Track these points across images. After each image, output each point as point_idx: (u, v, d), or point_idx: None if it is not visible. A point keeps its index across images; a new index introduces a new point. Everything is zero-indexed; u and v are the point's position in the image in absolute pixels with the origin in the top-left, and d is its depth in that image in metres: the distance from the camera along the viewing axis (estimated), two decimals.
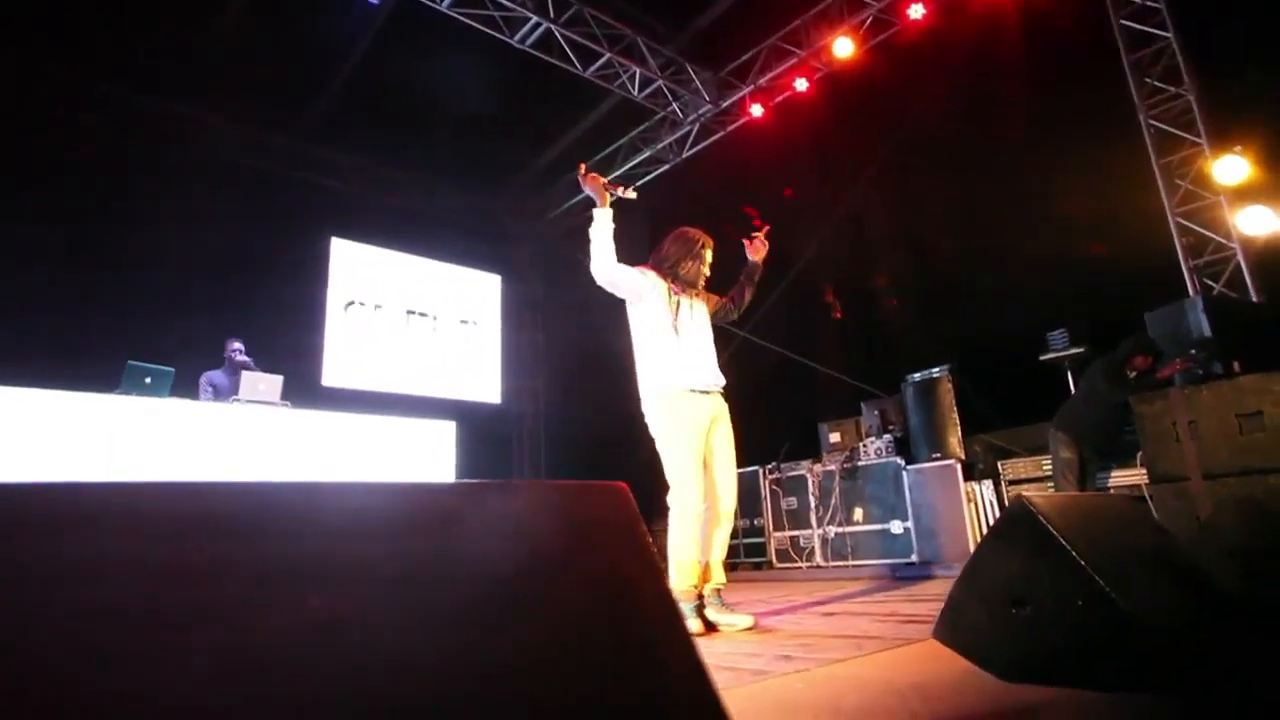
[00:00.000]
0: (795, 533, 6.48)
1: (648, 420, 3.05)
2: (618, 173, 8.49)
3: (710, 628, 2.87)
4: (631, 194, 3.20)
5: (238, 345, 5.66)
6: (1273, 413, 3.58)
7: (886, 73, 6.60)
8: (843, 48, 6.49)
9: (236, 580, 0.56)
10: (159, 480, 0.62)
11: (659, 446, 2.99)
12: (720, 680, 1.80)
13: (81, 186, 6.30)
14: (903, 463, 5.80)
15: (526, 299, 9.89)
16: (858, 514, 6.05)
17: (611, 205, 3.10)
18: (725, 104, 7.49)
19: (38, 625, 0.52)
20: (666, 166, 8.33)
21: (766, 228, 3.46)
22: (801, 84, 6.96)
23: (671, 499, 2.92)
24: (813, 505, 6.36)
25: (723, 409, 3.13)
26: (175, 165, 6.93)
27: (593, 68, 6.80)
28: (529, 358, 9.77)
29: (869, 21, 6.44)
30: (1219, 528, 3.14)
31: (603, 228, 3.04)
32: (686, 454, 2.92)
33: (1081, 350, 5.52)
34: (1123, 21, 5.40)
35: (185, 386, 5.14)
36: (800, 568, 6.34)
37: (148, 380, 4.66)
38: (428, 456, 5.88)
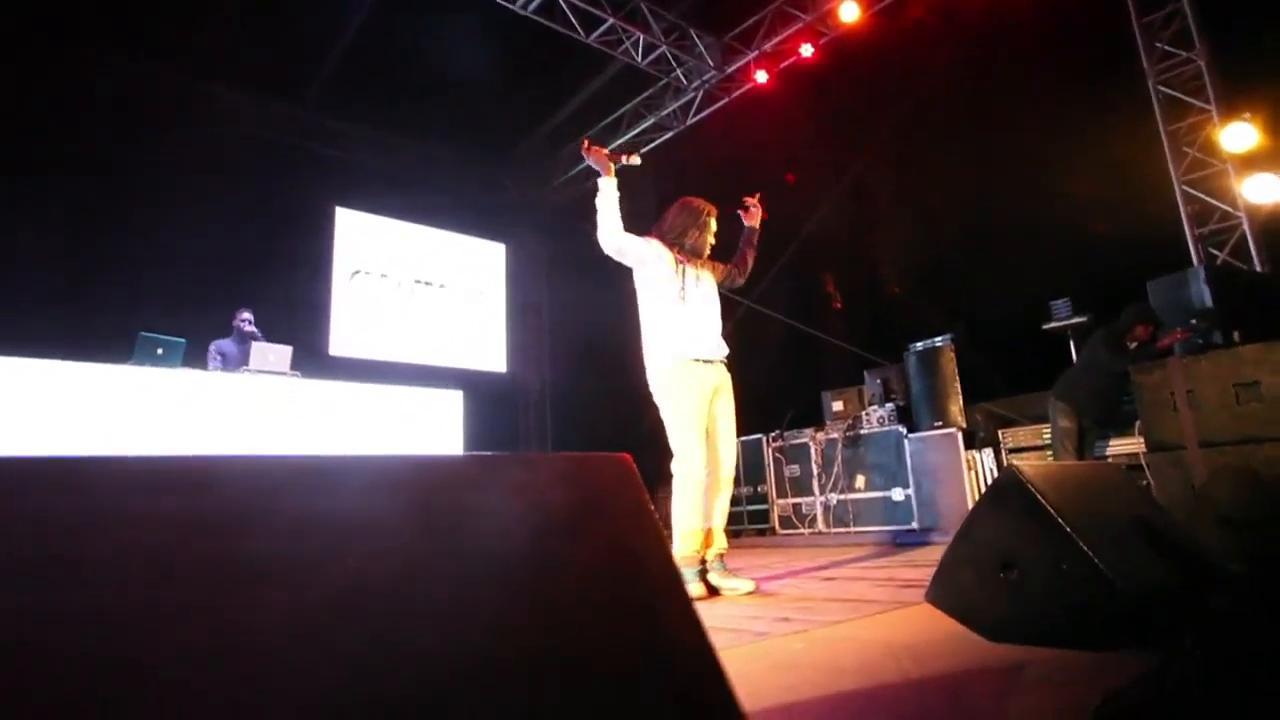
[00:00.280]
0: (798, 500, 6.58)
1: (652, 388, 3.11)
2: (621, 140, 8.45)
3: (713, 592, 2.96)
4: (636, 160, 3.24)
5: (246, 315, 5.71)
6: (1270, 382, 3.61)
7: (892, 39, 6.52)
8: (849, 12, 6.40)
9: (259, 551, 0.62)
10: (165, 454, 0.67)
11: (662, 414, 3.06)
12: (722, 641, 1.89)
13: (88, 158, 6.31)
14: (904, 431, 5.86)
15: (531, 267, 9.90)
16: (860, 481, 6.14)
17: (616, 174, 3.14)
18: (730, 70, 7.42)
19: (43, 604, 0.57)
20: (671, 134, 8.28)
21: (758, 194, 3.50)
22: (807, 49, 6.88)
23: (674, 466, 2.99)
24: (815, 473, 6.45)
25: (725, 378, 3.19)
26: (180, 136, 6.92)
27: (596, 33, 6.73)
28: (534, 326, 9.82)
29: None
30: (1212, 496, 3.20)
31: (608, 197, 3.09)
32: (689, 422, 2.98)
33: (1085, 319, 5.54)
34: None
35: (195, 357, 5.22)
36: (803, 534, 6.45)
37: (159, 351, 4.73)
38: (436, 425, 5.97)
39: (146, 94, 6.90)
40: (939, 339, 5.94)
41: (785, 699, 1.30)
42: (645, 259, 3.14)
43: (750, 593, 2.89)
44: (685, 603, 0.75)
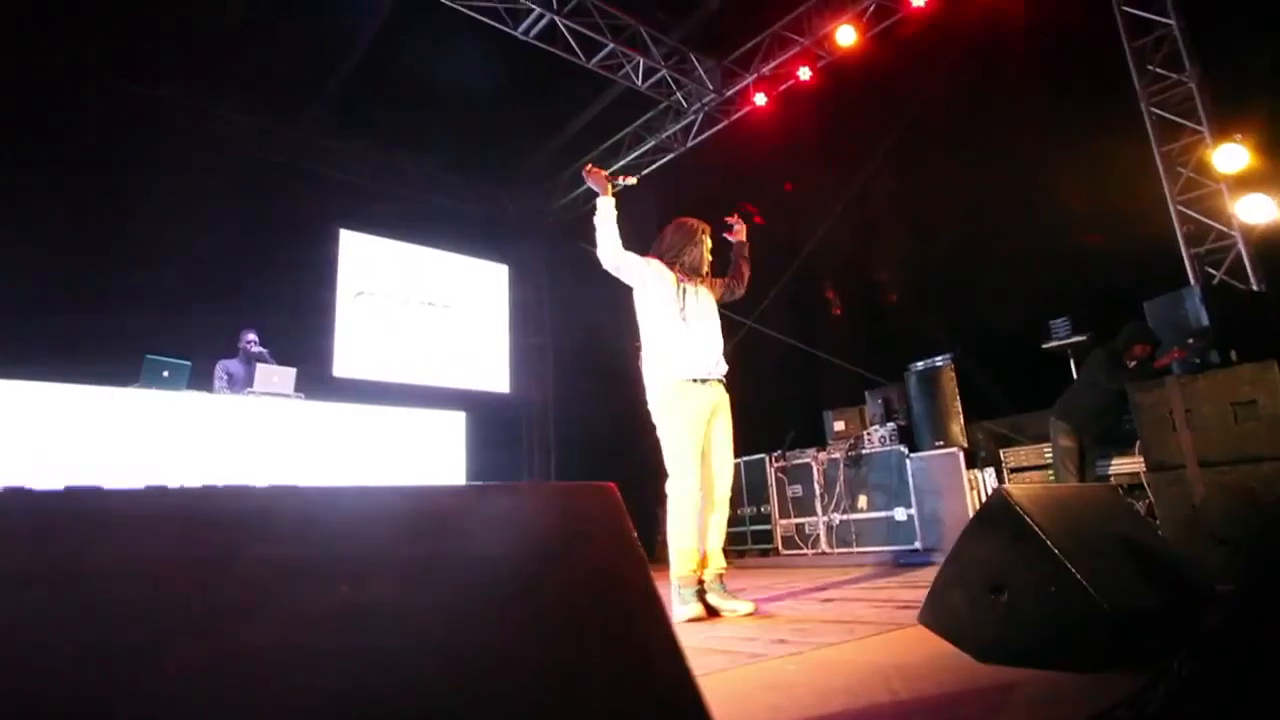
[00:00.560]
0: (800, 520, 6.58)
1: (650, 407, 3.15)
2: (623, 162, 8.55)
3: (712, 613, 2.97)
4: (632, 181, 3.32)
5: (252, 336, 5.78)
6: (1267, 401, 3.63)
7: (889, 61, 6.61)
8: (845, 36, 6.50)
9: (246, 578, 0.65)
10: (168, 486, 0.70)
11: (660, 434, 3.09)
12: (717, 662, 1.91)
13: (93, 180, 6.39)
14: (906, 450, 5.87)
15: (534, 288, 9.97)
16: (862, 501, 6.14)
17: (615, 194, 3.22)
18: (729, 93, 7.52)
19: (57, 626, 0.60)
20: (671, 156, 8.38)
21: (735, 213, 3.57)
22: (804, 72, 6.97)
23: (670, 486, 3.01)
24: (818, 493, 6.45)
25: (723, 398, 3.22)
26: (185, 158, 7.02)
27: (596, 58, 6.84)
28: (537, 346, 9.87)
29: (871, 9, 6.45)
30: (1209, 515, 3.21)
31: (606, 216, 3.18)
32: (686, 443, 3.01)
33: (1084, 338, 5.55)
34: (1124, 8, 5.39)
35: (200, 379, 5.27)
36: (806, 554, 6.44)
37: (165, 374, 4.79)
38: (439, 447, 6.00)
39: (151, 116, 7.01)
40: (939, 358, 5.97)
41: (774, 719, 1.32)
42: (646, 279, 3.20)
43: (749, 614, 2.90)
44: (665, 626, 0.78)
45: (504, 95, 7.51)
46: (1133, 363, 4.51)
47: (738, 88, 7.45)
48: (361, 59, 6.92)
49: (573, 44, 6.63)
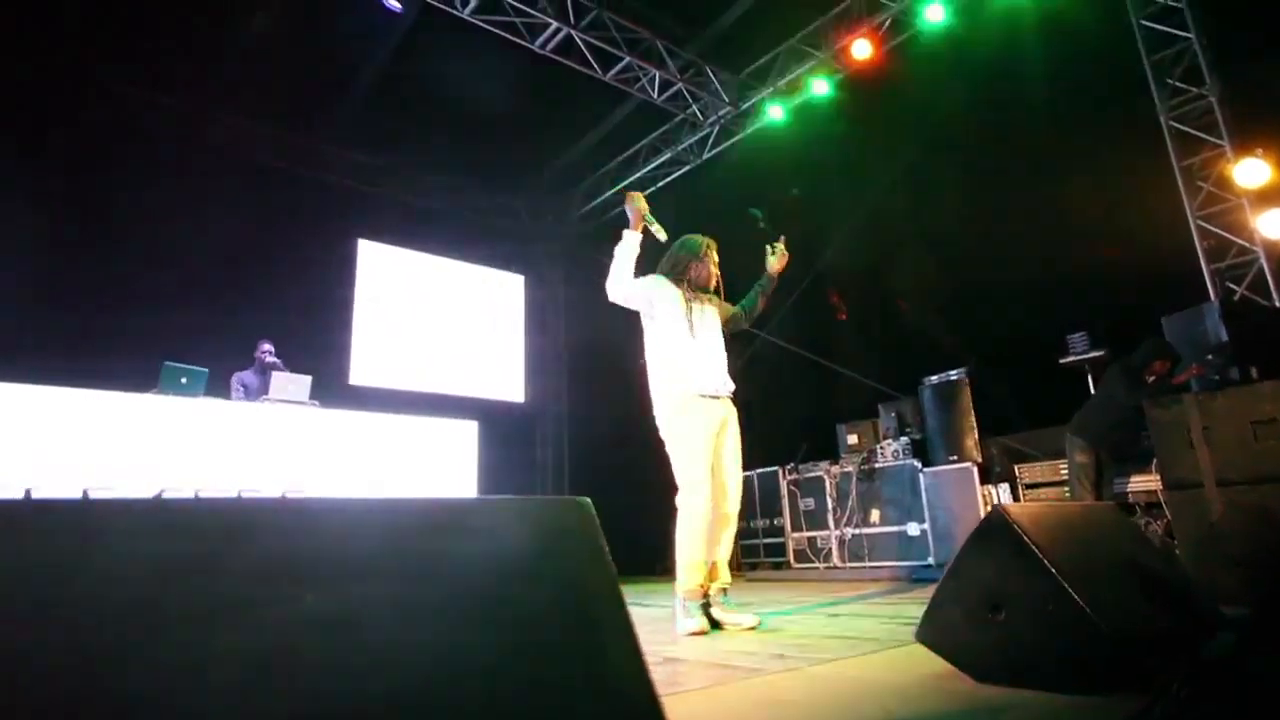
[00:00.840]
0: (813, 534, 6.53)
1: (658, 423, 3.15)
2: (639, 174, 8.60)
3: (716, 626, 2.96)
4: (662, 235, 3.26)
5: (268, 347, 5.86)
6: None
7: (906, 75, 6.60)
8: (861, 50, 6.50)
9: (218, 590, 0.67)
10: (169, 497, 0.72)
11: (669, 449, 3.09)
12: (713, 676, 1.90)
13: (116, 190, 6.54)
14: (919, 465, 5.82)
15: (549, 298, 10.03)
16: (875, 516, 6.08)
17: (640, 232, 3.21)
18: (745, 106, 7.54)
19: (63, 626, 0.62)
20: (687, 168, 8.40)
21: (784, 238, 3.49)
22: (821, 86, 6.98)
23: (680, 501, 3.01)
24: (830, 506, 6.40)
25: (731, 413, 3.21)
26: (205, 168, 7.15)
27: (613, 71, 6.89)
28: (552, 356, 9.91)
29: (888, 23, 6.44)
30: (1226, 536, 3.15)
31: (628, 250, 3.17)
32: (697, 457, 3.01)
33: (1102, 354, 5.49)
34: (1143, 22, 5.35)
35: (218, 386, 5.35)
36: (818, 568, 6.39)
37: (183, 380, 4.87)
38: (451, 455, 6.04)
39: (172, 126, 7.15)
40: (954, 372, 5.92)
41: None
42: (653, 300, 3.19)
43: (752, 628, 2.89)
44: (629, 640, 0.78)
45: (521, 107, 7.59)
46: (1152, 378, 4.44)
47: (754, 101, 7.47)
48: (382, 71, 7.04)
49: (589, 57, 6.68)
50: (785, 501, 6.79)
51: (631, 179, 8.75)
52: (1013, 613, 1.62)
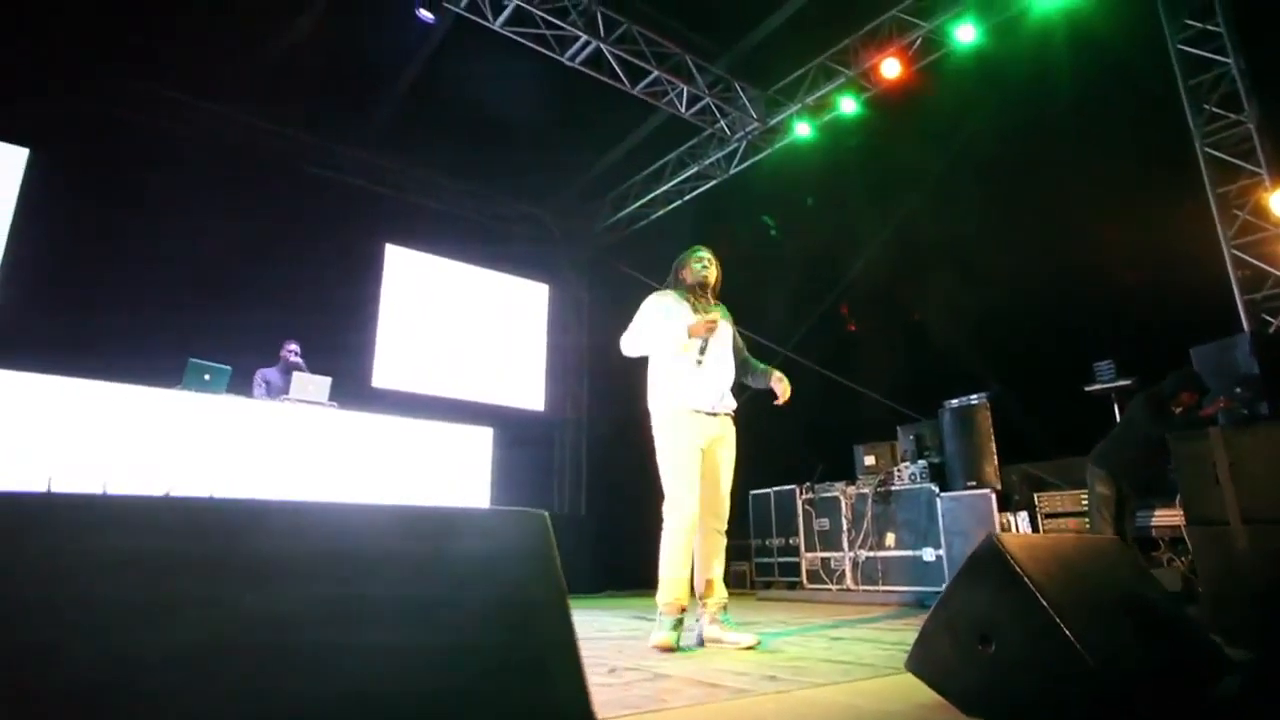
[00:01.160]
0: (827, 554, 6.45)
1: (654, 434, 3.14)
2: (665, 187, 8.63)
3: (701, 644, 2.94)
4: (700, 359, 3.10)
5: (293, 347, 5.96)
6: None
7: (936, 95, 6.55)
8: (891, 69, 6.46)
9: (173, 582, 0.68)
10: (154, 496, 0.74)
11: (659, 460, 3.07)
12: (697, 695, 1.88)
13: (150, 193, 6.73)
14: (937, 489, 5.72)
15: (573, 308, 10.07)
16: (890, 539, 5.99)
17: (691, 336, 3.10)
18: (772, 122, 7.53)
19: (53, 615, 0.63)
20: (713, 183, 8.41)
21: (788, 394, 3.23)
22: (849, 104, 6.95)
23: (667, 513, 2.98)
24: (845, 528, 6.32)
25: (726, 430, 3.17)
26: (239, 172, 7.35)
27: (641, 84, 6.93)
28: (573, 366, 9.95)
29: (918, 43, 6.40)
30: (1249, 575, 3.05)
31: (672, 338, 3.10)
32: (679, 473, 2.99)
33: (1129, 382, 5.36)
34: (1180, 46, 5.25)
35: (241, 383, 5.45)
36: (830, 590, 6.30)
37: (207, 377, 4.97)
38: (464, 462, 6.08)
39: (204, 130, 7.34)
40: (975, 396, 5.82)
41: None
42: (669, 311, 3.18)
43: (750, 647, 2.85)
44: (570, 652, 0.78)
45: (550, 118, 7.67)
46: (1178, 410, 4.31)
47: (781, 117, 7.46)
48: (414, 81, 7.17)
49: (618, 70, 6.74)
50: (800, 521, 6.71)
51: (657, 192, 8.79)
52: (1002, 645, 1.58)
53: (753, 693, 1.94)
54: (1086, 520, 4.90)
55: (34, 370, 4.41)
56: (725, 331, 3.26)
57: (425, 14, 5.92)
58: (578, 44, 6.48)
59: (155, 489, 4.42)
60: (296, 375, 5.45)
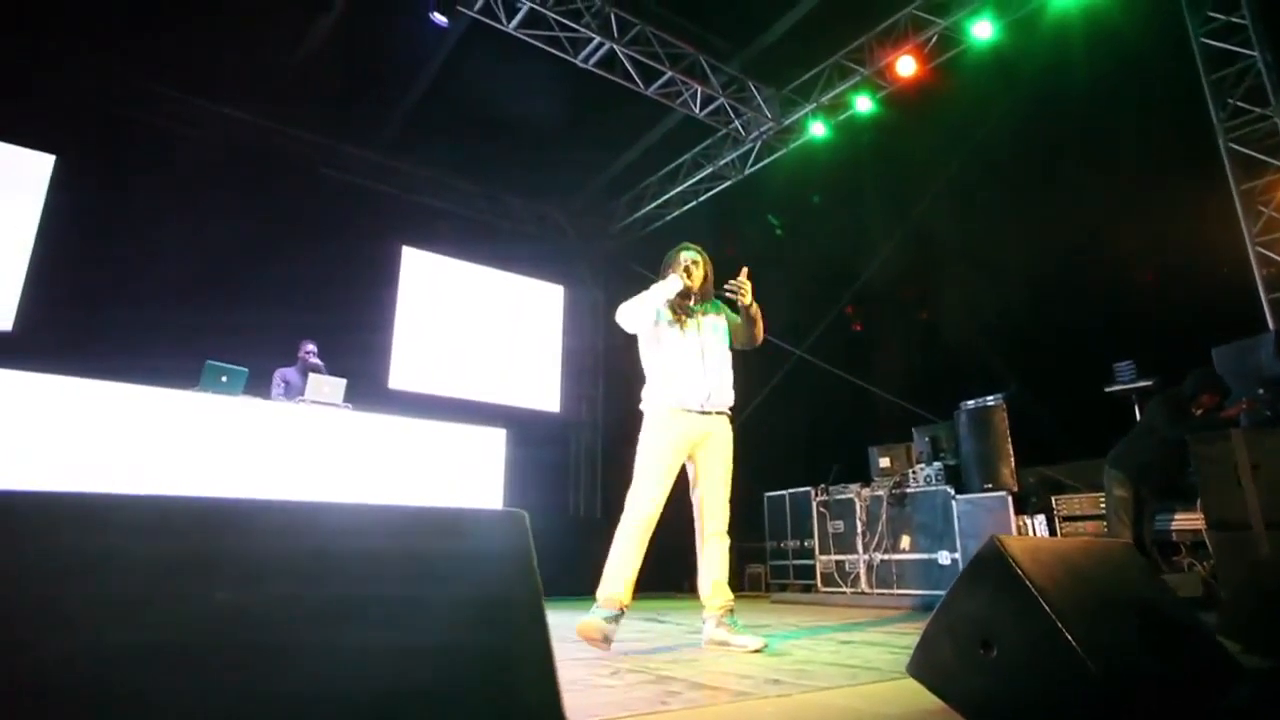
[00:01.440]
0: (841, 557, 6.39)
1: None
2: (680, 188, 8.63)
3: (697, 648, 2.94)
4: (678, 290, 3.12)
5: (311, 348, 6.03)
6: None
7: (952, 93, 6.48)
8: (906, 67, 6.41)
9: (143, 578, 0.68)
10: (151, 494, 0.75)
11: (637, 454, 3.03)
12: (698, 697, 1.87)
13: (171, 192, 6.85)
14: (953, 492, 5.65)
15: (588, 310, 10.09)
16: (905, 542, 5.93)
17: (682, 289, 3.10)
18: (787, 122, 7.49)
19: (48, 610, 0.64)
20: (728, 183, 8.39)
21: (745, 269, 3.11)
22: (864, 103, 6.90)
23: (626, 507, 2.95)
24: (860, 530, 6.26)
25: (717, 430, 3.09)
26: (258, 175, 7.46)
27: (655, 85, 6.93)
28: (589, 367, 9.97)
29: (934, 40, 6.34)
30: (1270, 580, 2.98)
31: (666, 291, 3.08)
32: (646, 472, 2.96)
33: (1149, 383, 5.26)
34: (1203, 39, 5.15)
35: (257, 385, 5.52)
36: (845, 593, 6.25)
37: (224, 379, 5.03)
38: (478, 463, 6.10)
39: (224, 135, 7.45)
40: (992, 398, 5.74)
41: None
42: (655, 321, 3.15)
43: (757, 650, 2.83)
44: (545, 654, 0.77)
45: (564, 120, 7.70)
46: (1199, 411, 4.23)
47: (796, 117, 7.43)
48: (429, 84, 7.23)
49: (632, 72, 6.74)
50: (815, 523, 6.66)
51: (672, 193, 8.78)
52: (1004, 649, 1.55)
53: (752, 696, 1.92)
54: (1105, 524, 4.83)
55: (53, 373, 4.49)
56: (719, 327, 3.23)
57: (439, 17, 5.96)
58: (591, 45, 6.50)
59: (171, 490, 4.49)
60: (312, 377, 5.51)
